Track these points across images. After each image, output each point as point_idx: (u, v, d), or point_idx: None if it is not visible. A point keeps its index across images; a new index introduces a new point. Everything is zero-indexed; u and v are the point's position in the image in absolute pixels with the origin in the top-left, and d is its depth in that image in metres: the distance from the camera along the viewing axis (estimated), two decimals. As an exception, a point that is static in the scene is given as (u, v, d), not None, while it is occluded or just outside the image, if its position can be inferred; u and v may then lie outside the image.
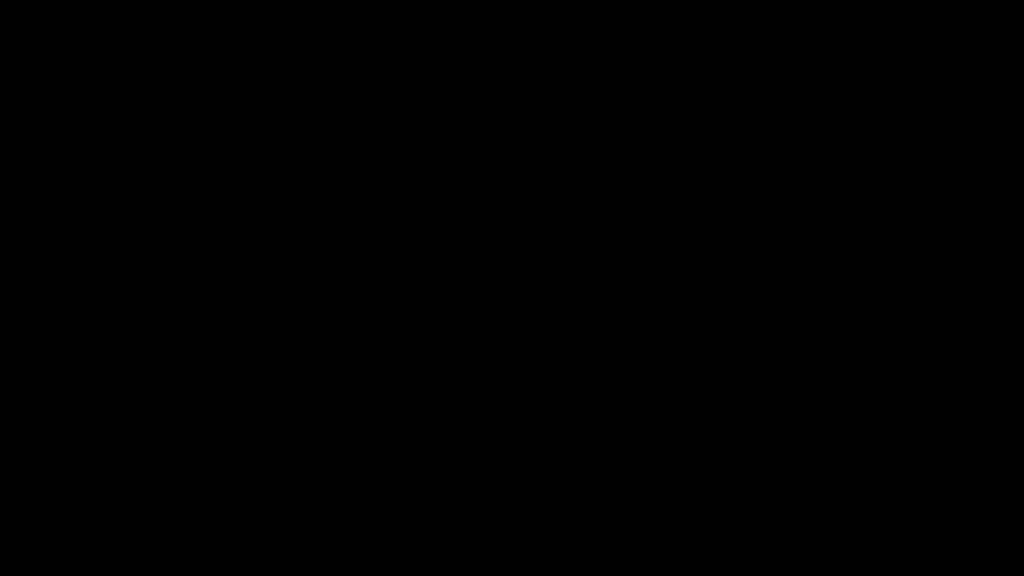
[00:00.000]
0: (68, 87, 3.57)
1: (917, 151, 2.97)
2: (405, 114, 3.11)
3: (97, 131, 2.77)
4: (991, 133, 3.81)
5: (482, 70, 4.24)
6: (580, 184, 3.28)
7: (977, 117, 3.79)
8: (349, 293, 2.75)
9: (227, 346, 2.75)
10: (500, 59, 4.33)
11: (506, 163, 2.70)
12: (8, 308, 2.73)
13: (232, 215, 2.86)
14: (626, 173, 3.29)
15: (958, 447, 2.86)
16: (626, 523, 2.59)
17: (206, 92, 2.97)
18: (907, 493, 2.87)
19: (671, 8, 4.22)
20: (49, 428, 2.64)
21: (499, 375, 2.73)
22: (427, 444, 2.69)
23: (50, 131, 3.52)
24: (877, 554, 2.87)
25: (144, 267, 2.75)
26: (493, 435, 2.70)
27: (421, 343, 2.71)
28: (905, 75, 3.00)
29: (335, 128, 3.28)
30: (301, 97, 3.29)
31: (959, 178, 2.99)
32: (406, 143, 2.78)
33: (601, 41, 4.10)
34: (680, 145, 3.36)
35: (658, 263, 3.21)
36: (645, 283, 3.20)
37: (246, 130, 3.15)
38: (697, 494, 2.80)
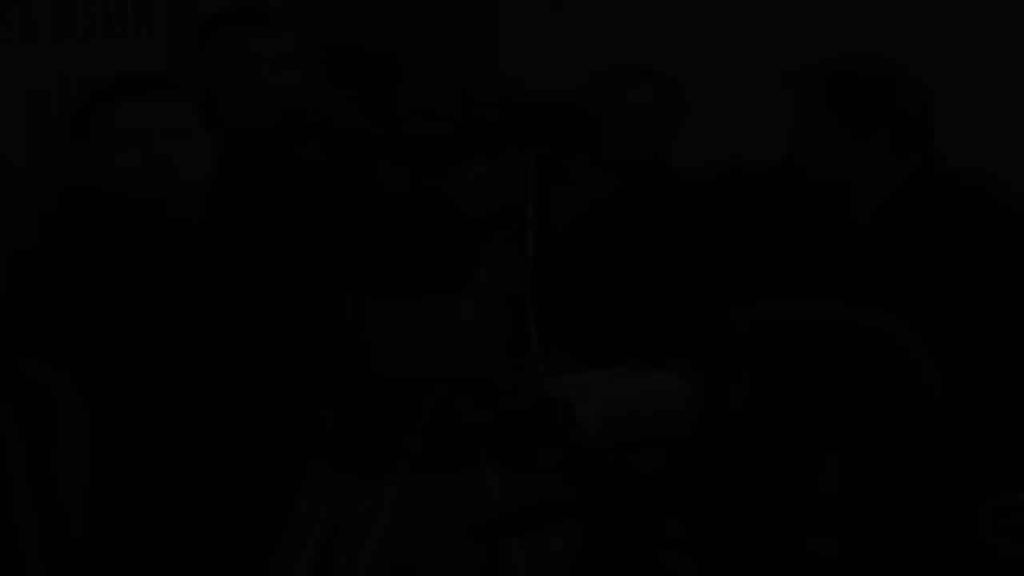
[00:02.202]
0: (68, 87, 3.57)
1: (916, 151, 2.97)
2: (405, 113, 3.11)
3: (97, 131, 2.77)
4: (991, 133, 3.81)
5: (482, 70, 4.24)
6: (580, 184, 3.28)
7: (977, 117, 3.79)
8: (350, 291, 2.75)
9: (228, 345, 2.75)
10: (500, 59, 4.33)
11: (506, 163, 2.70)
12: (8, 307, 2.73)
13: (232, 214, 2.86)
14: (626, 173, 3.29)
15: (957, 446, 2.86)
16: (627, 523, 2.59)
17: (206, 92, 2.97)
18: (906, 492, 2.88)
19: (671, 8, 4.22)
20: (50, 427, 2.64)
21: (500, 375, 2.73)
22: (427, 444, 2.69)
23: (50, 131, 3.52)
24: (876, 556, 2.88)
25: (146, 267, 2.75)
26: (493, 435, 2.70)
27: (421, 343, 2.71)
28: (905, 75, 3.00)
29: (334, 127, 3.28)
30: (300, 96, 3.28)
31: (959, 178, 2.99)
32: (406, 142, 2.78)
33: (601, 41, 4.10)
34: (680, 145, 3.36)
35: (658, 263, 3.22)
36: (645, 283, 3.20)
37: (245, 130, 3.15)
38: (698, 494, 2.80)
